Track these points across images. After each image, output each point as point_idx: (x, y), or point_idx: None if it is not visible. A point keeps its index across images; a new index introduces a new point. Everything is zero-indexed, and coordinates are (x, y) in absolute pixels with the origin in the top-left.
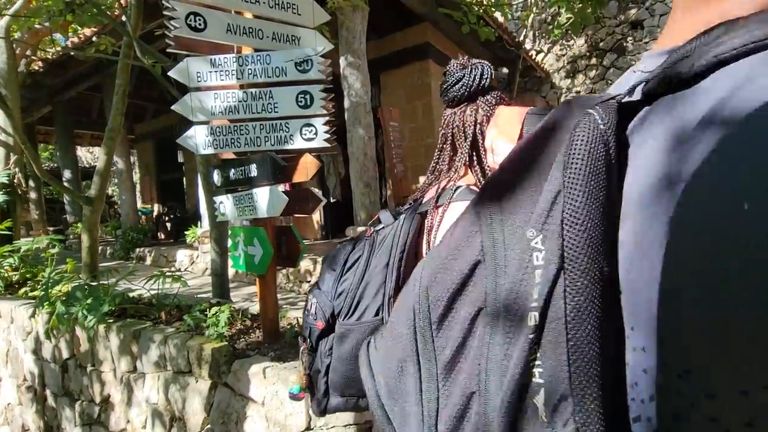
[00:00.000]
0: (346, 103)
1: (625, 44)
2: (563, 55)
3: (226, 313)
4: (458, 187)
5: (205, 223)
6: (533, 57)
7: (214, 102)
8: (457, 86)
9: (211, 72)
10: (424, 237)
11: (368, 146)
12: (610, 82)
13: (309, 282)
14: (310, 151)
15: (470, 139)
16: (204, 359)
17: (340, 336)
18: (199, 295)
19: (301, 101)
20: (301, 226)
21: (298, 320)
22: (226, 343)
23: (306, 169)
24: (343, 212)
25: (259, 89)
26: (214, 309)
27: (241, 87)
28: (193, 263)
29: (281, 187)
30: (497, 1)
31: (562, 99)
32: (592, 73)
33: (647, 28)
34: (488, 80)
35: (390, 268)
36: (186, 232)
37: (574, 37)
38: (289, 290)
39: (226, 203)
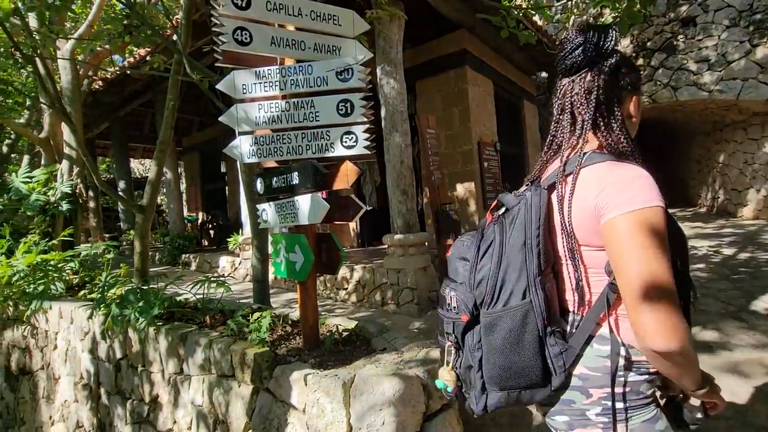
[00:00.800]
0: (383, 112)
1: (675, 43)
2: None
3: (268, 318)
4: (585, 153)
5: (247, 231)
6: None
7: (258, 112)
8: (576, 52)
9: (255, 84)
10: (556, 208)
11: (405, 154)
12: (658, 82)
13: (346, 289)
14: (350, 158)
15: (593, 104)
16: (246, 364)
17: (488, 326)
18: (240, 301)
19: (341, 110)
20: (338, 234)
21: (338, 327)
22: (268, 348)
23: (347, 176)
24: (378, 220)
25: (301, 99)
26: (256, 314)
27: (284, 97)
28: (234, 269)
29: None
30: (536, 3)
31: None
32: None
33: (700, 25)
34: (611, 42)
35: (529, 246)
36: (228, 239)
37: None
38: (327, 297)
39: (268, 211)
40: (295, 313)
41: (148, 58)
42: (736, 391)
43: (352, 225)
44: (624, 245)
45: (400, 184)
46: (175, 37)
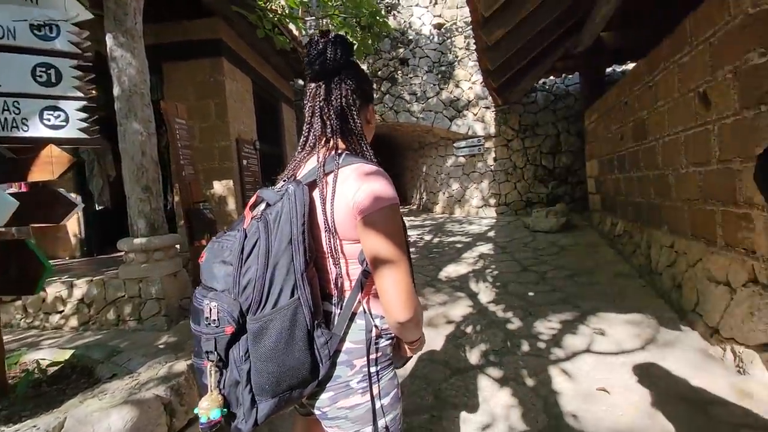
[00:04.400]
0: (116, 91)
1: (396, 76)
2: None
3: None
4: (340, 155)
5: None
6: None
7: None
8: (321, 59)
9: None
10: (319, 206)
11: (147, 144)
12: (386, 105)
13: (61, 312)
14: (58, 142)
15: (338, 109)
16: None
17: (257, 332)
18: None
19: (41, 76)
20: (50, 242)
21: (39, 363)
22: None
23: (51, 165)
24: (113, 222)
25: None
26: None
27: None
28: None
29: (12, 189)
30: (291, 13)
31: None
32: (375, 97)
33: (411, 66)
34: (348, 55)
35: (295, 242)
36: None
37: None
38: (30, 326)
39: None
40: None
41: None
42: (431, 339)
43: (74, 229)
44: (375, 238)
45: (141, 180)
46: None
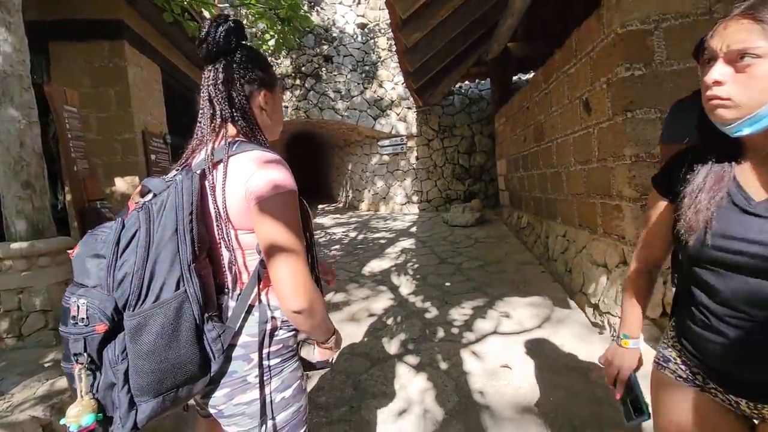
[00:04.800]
0: None
1: (320, 73)
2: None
3: None
4: (234, 142)
5: None
6: None
7: None
8: (209, 40)
9: None
10: (209, 195)
11: (27, 133)
12: (310, 102)
13: None
14: None
15: (226, 94)
16: None
17: (136, 328)
18: None
19: None
20: None
21: None
22: None
23: None
24: None
25: None
26: None
27: None
28: None
29: None
30: None
31: None
32: (297, 92)
33: (335, 64)
34: (240, 36)
35: (181, 232)
36: None
37: (282, 57)
38: None
39: None
40: None
41: None
42: (353, 333)
43: None
44: (269, 225)
45: (20, 174)
46: None
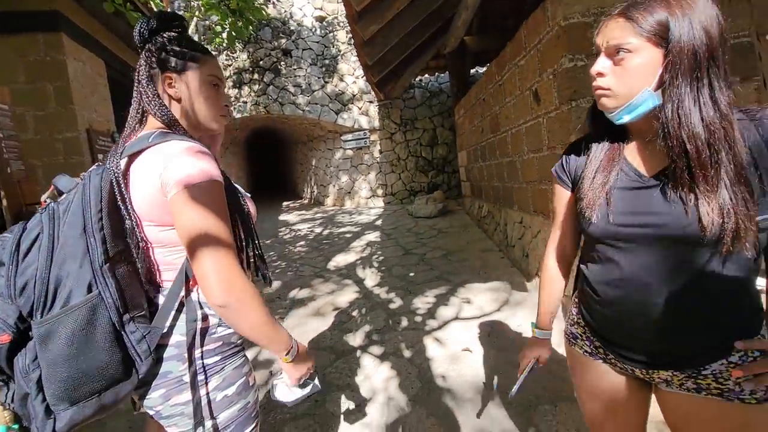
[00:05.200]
0: None
1: (279, 66)
2: (229, 65)
3: None
4: (152, 133)
5: None
6: None
7: None
8: (137, 30)
9: None
10: (122, 190)
11: None
12: (270, 97)
13: None
14: None
15: (141, 81)
16: None
17: (44, 336)
18: None
19: None
20: None
21: None
22: None
23: None
24: None
25: None
26: None
27: None
28: None
29: None
30: None
31: (231, 108)
32: (256, 87)
33: (294, 57)
34: (158, 27)
35: (90, 232)
36: None
37: (238, 51)
38: None
39: None
40: None
41: None
42: (316, 327)
43: None
44: (188, 216)
45: None
46: None
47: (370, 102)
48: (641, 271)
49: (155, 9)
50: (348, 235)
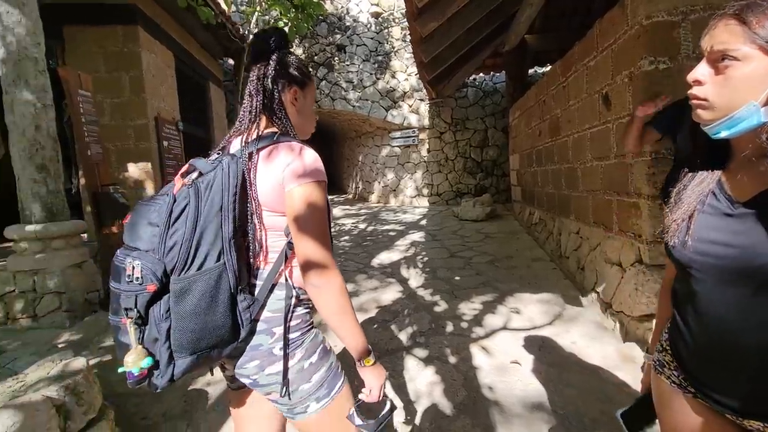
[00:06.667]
0: (1, 53)
1: (333, 62)
2: None
3: None
4: (273, 133)
5: None
6: None
7: None
8: (256, 44)
9: None
10: (249, 178)
11: (42, 117)
12: (322, 92)
13: None
14: None
15: (261, 90)
16: None
17: (180, 291)
18: None
19: None
20: None
21: None
22: None
23: None
24: None
25: None
26: None
27: None
28: None
29: None
30: None
31: None
32: None
33: (348, 53)
34: (280, 41)
35: (225, 210)
36: None
37: (294, 45)
38: None
39: None
40: None
41: None
42: (360, 323)
43: None
44: (302, 209)
45: (35, 158)
46: None
47: (421, 100)
48: (722, 307)
49: (223, 5)
50: (392, 233)
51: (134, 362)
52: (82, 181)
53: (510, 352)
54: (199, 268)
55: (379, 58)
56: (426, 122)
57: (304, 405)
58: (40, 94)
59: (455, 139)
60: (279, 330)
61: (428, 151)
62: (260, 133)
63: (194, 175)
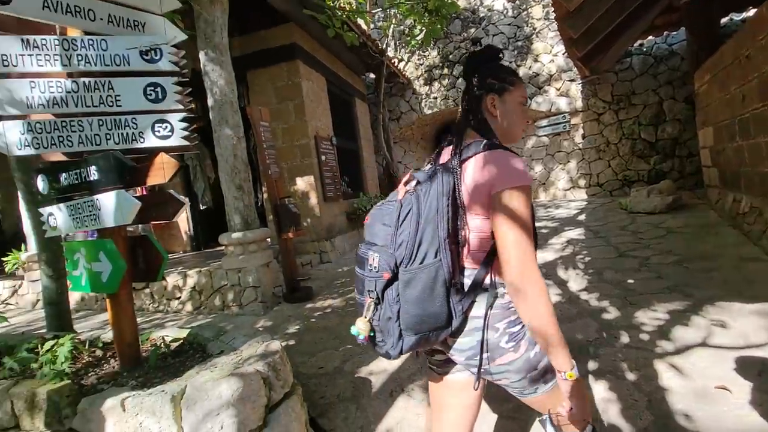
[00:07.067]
0: (210, 102)
1: None
2: (421, 64)
3: (67, 345)
4: (481, 142)
5: (33, 245)
6: (396, 64)
7: (31, 92)
8: (464, 64)
9: (24, 55)
10: (460, 185)
11: (238, 147)
12: (458, 89)
13: (179, 299)
14: (166, 150)
15: (466, 105)
16: (37, 406)
17: (407, 281)
18: (30, 332)
19: (150, 94)
20: (167, 239)
21: (164, 339)
22: (69, 381)
23: (162, 170)
24: (214, 219)
25: (95, 79)
26: (49, 344)
27: (70, 75)
28: (16, 295)
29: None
30: (358, 8)
31: (423, 103)
32: (445, 82)
33: (484, 45)
34: (482, 58)
35: (441, 214)
36: (4, 259)
37: (429, 49)
38: (155, 311)
39: (57, 214)
40: (108, 334)
41: None
42: None
43: (184, 227)
44: (507, 211)
45: (234, 179)
46: None
47: (571, 80)
48: None
49: (363, 25)
50: (544, 231)
51: (364, 329)
52: (265, 195)
53: (713, 375)
54: (421, 263)
55: (519, 43)
56: (579, 105)
57: (533, 387)
58: (236, 129)
59: (618, 119)
60: (502, 325)
61: (583, 136)
62: (467, 143)
63: (413, 183)
